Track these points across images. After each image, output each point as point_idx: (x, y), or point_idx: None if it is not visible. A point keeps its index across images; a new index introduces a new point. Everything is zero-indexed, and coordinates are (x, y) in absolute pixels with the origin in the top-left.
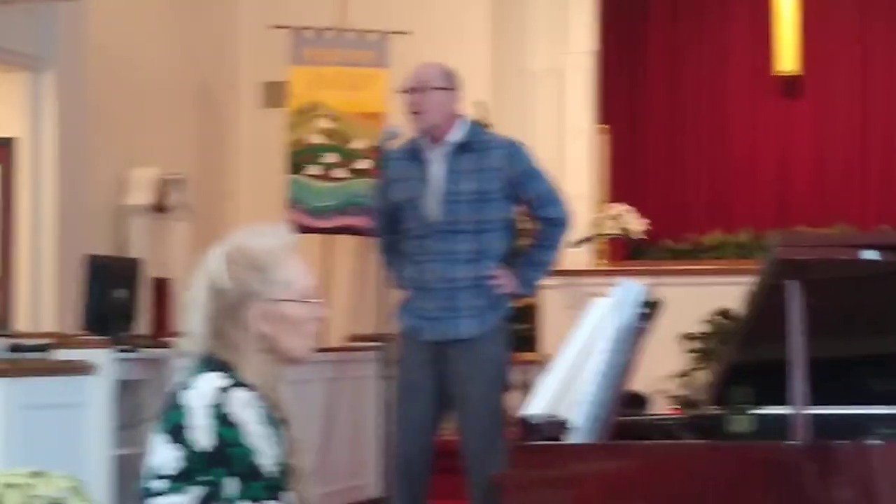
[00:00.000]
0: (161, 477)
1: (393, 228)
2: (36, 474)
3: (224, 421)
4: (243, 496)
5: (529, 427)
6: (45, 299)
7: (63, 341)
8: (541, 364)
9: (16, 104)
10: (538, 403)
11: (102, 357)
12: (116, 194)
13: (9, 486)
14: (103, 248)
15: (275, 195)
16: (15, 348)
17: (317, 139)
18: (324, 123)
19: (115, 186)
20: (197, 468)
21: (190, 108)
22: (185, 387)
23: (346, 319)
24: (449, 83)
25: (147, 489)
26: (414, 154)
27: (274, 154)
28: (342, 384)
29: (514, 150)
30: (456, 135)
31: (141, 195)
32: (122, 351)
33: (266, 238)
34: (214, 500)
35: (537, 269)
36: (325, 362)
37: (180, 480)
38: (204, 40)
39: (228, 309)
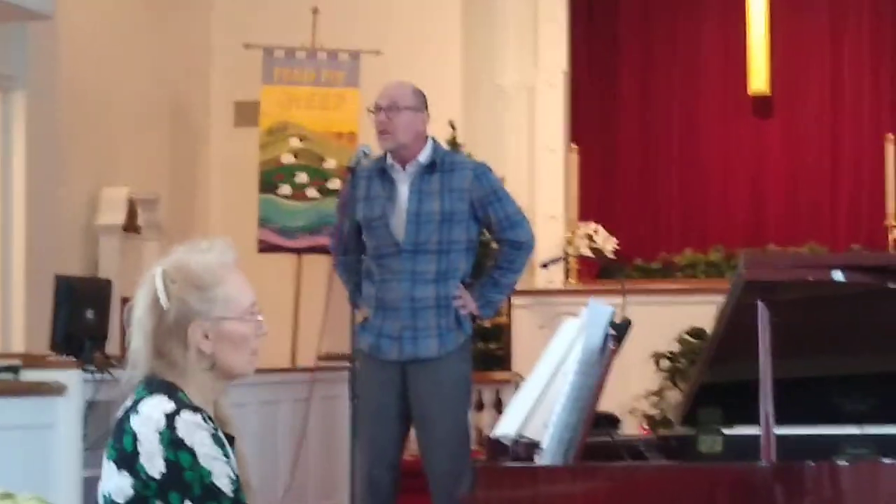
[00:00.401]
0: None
1: (354, 247)
2: (5, 496)
3: (175, 445)
4: None
5: (499, 448)
6: (14, 320)
7: (32, 362)
8: (511, 383)
9: None
10: (508, 424)
11: (72, 378)
12: (87, 214)
13: None
14: (73, 269)
15: (246, 214)
16: None
17: (288, 159)
18: (295, 143)
19: (85, 206)
20: (150, 495)
21: (161, 127)
22: (131, 411)
23: (316, 339)
24: (418, 103)
25: None
26: (381, 173)
27: (245, 174)
28: (314, 403)
29: (480, 172)
30: (424, 155)
31: (112, 215)
32: (92, 372)
33: (205, 255)
34: None
35: (500, 291)
36: (297, 382)
37: None
38: (175, 60)
39: (168, 328)
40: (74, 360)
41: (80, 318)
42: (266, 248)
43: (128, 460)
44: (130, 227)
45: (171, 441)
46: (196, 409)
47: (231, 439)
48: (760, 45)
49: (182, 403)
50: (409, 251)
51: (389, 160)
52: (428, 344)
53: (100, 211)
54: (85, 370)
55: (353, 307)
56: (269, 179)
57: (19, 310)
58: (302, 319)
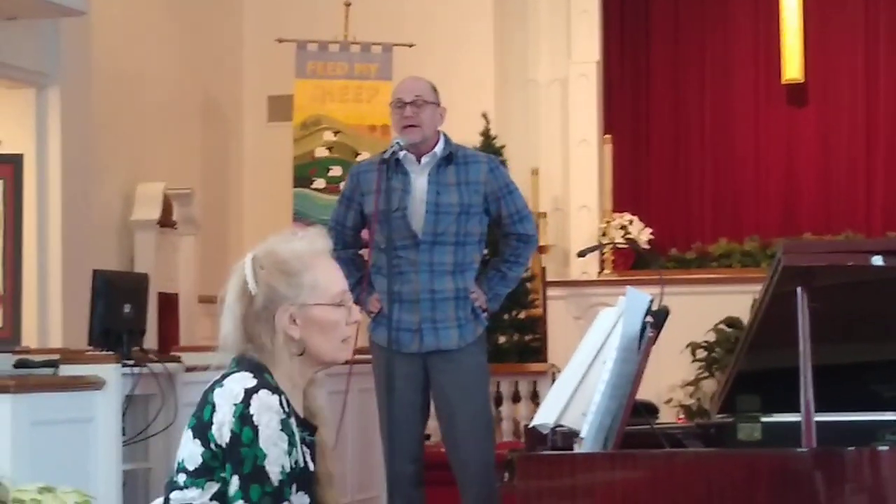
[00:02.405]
0: (185, 471)
1: (353, 242)
2: (45, 490)
3: (243, 419)
4: (241, 497)
5: (538, 437)
6: (51, 315)
7: (71, 357)
8: (547, 374)
9: (21, 121)
10: (547, 413)
11: (110, 372)
12: (122, 209)
13: (18, 501)
14: (110, 264)
15: (281, 209)
16: (22, 364)
17: (322, 152)
18: (329, 136)
19: (120, 202)
20: (217, 466)
21: (195, 122)
22: (217, 384)
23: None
24: (437, 98)
25: (172, 482)
26: (393, 166)
27: (279, 168)
28: (350, 396)
29: (494, 165)
30: (440, 148)
31: (147, 210)
32: (130, 366)
33: (296, 242)
34: (226, 496)
35: (507, 284)
36: (334, 374)
37: (200, 475)
38: (208, 55)
39: (257, 312)
40: (112, 354)
41: (117, 313)
42: None
43: (202, 429)
44: (166, 222)
45: (242, 415)
46: (276, 391)
47: (314, 428)
48: (794, 32)
49: (264, 383)
50: (428, 243)
51: (402, 153)
52: (448, 335)
53: (135, 206)
54: (123, 364)
55: (355, 302)
56: (304, 173)
57: (57, 305)
58: None
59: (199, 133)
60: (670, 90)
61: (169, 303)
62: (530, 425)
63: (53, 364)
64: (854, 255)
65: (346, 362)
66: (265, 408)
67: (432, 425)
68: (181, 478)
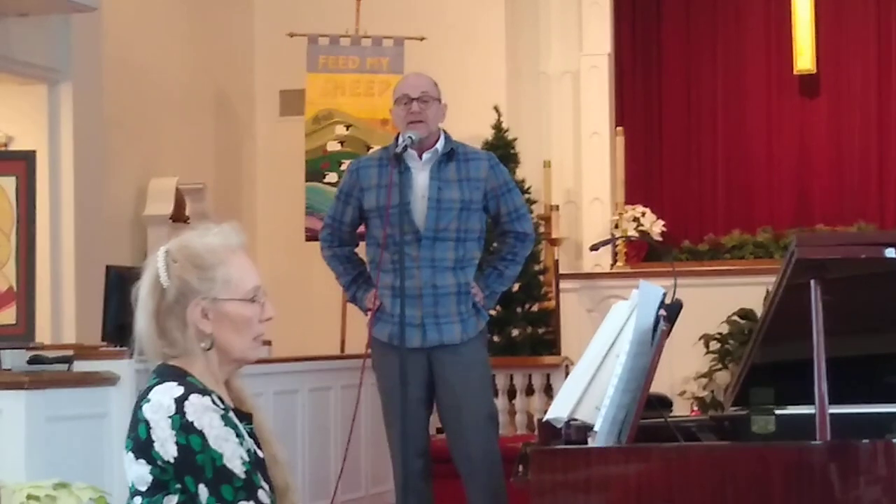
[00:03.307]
0: (138, 493)
1: (349, 239)
2: (59, 485)
3: (185, 429)
4: (216, 502)
5: (552, 431)
6: (64, 311)
7: (84, 353)
8: (561, 367)
9: (33, 117)
10: (560, 407)
11: (124, 368)
12: (135, 205)
13: (32, 497)
14: (122, 259)
15: (293, 203)
16: (36, 360)
17: (334, 146)
18: (341, 131)
19: (133, 197)
20: (169, 479)
21: (207, 117)
22: (143, 400)
23: (365, 326)
24: (440, 95)
25: None
26: (393, 162)
27: (291, 162)
28: (364, 390)
29: (494, 163)
30: (441, 144)
31: (160, 205)
32: (143, 361)
33: (210, 237)
34: None
35: (504, 282)
36: (347, 369)
37: (155, 493)
38: (220, 49)
39: (169, 306)
40: (126, 350)
41: (131, 309)
42: (313, 236)
43: (143, 448)
44: (178, 216)
45: (182, 425)
46: (205, 392)
47: (248, 416)
48: (806, 22)
49: (191, 387)
50: (429, 238)
51: (403, 149)
52: (451, 330)
53: (148, 201)
54: (137, 360)
55: (350, 300)
56: (316, 168)
57: (70, 301)
58: (350, 306)
59: (211, 128)
60: (682, 82)
61: None
62: (544, 419)
63: (67, 360)
64: (867, 247)
65: (360, 356)
66: (202, 410)
67: (433, 419)
68: (137, 501)
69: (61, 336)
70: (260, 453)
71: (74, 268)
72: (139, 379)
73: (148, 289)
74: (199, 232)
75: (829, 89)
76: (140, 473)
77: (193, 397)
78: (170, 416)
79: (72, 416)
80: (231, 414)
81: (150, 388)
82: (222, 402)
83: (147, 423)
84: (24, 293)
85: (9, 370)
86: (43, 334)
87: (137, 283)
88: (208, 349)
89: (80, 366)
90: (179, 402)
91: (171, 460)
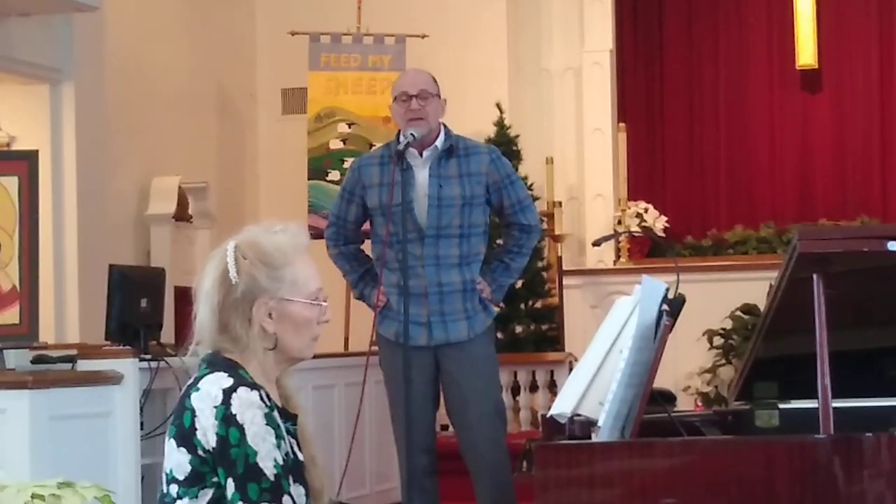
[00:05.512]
0: (175, 481)
1: (354, 237)
2: (64, 485)
3: (227, 421)
4: (240, 498)
5: (555, 427)
6: (68, 310)
7: (88, 352)
8: (564, 363)
9: (35, 117)
10: (564, 403)
11: (128, 367)
12: (138, 204)
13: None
14: (125, 259)
15: (296, 201)
16: (40, 360)
17: (336, 145)
18: (343, 129)
19: (136, 196)
20: (207, 471)
21: (209, 116)
22: (192, 388)
23: (369, 323)
24: (439, 91)
25: (164, 495)
26: (393, 159)
27: (294, 160)
28: (367, 387)
29: (495, 156)
30: (441, 141)
31: (163, 204)
32: (148, 360)
33: (278, 235)
34: (223, 501)
35: (511, 275)
36: (351, 366)
37: (193, 484)
38: (222, 48)
39: (235, 302)
40: (130, 348)
41: (134, 308)
42: (317, 234)
43: (186, 437)
44: (181, 216)
45: (225, 416)
46: (255, 387)
47: (294, 417)
48: (808, 17)
49: (241, 380)
50: (432, 236)
51: (403, 146)
52: (458, 327)
53: (150, 200)
54: (140, 359)
55: (358, 297)
56: (318, 166)
57: (73, 300)
58: (354, 304)
59: (213, 127)
60: (684, 77)
61: (185, 297)
62: (548, 415)
63: (71, 359)
64: (870, 240)
65: (364, 354)
66: (247, 405)
67: (440, 415)
68: (173, 489)
69: (65, 335)
70: (299, 455)
71: (78, 267)
72: (143, 378)
73: (214, 282)
74: (265, 229)
75: (832, 84)
76: (180, 461)
77: (242, 390)
78: (215, 406)
79: (76, 416)
80: (276, 413)
81: (199, 378)
82: (269, 399)
83: (193, 411)
84: (28, 292)
85: (12, 370)
86: (46, 334)
87: (201, 274)
88: (271, 349)
89: (84, 365)
90: (227, 393)
91: (212, 450)
